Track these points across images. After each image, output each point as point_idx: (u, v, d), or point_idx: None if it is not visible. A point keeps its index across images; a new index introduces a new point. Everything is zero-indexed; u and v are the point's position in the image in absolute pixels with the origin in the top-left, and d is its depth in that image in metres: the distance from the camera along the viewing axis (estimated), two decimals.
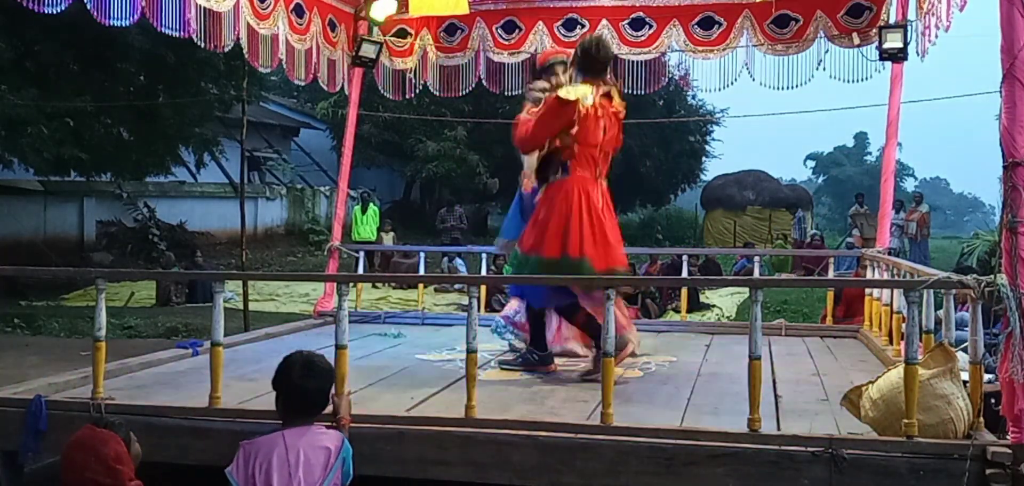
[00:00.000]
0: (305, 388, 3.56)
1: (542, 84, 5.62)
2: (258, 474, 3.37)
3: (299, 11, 7.13)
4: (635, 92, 7.54)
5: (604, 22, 7.55)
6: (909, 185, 45.38)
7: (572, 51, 5.59)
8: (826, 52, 7.24)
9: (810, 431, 3.90)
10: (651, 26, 7.55)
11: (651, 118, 22.91)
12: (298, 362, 3.61)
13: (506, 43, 7.94)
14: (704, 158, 32.98)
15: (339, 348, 4.16)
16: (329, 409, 3.81)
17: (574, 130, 5.14)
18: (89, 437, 3.52)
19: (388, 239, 18.84)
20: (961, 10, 5.38)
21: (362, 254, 8.65)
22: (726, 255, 19.21)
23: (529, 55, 7.64)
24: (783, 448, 3.74)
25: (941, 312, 4.44)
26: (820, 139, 79.95)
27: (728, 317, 12.69)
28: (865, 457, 3.66)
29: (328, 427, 3.66)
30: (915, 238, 19.39)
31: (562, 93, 5.16)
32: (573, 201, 5.15)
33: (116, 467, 3.44)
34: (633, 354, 5.72)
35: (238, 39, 6.43)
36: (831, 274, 8.21)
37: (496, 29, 7.96)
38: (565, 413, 4.40)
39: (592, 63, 5.27)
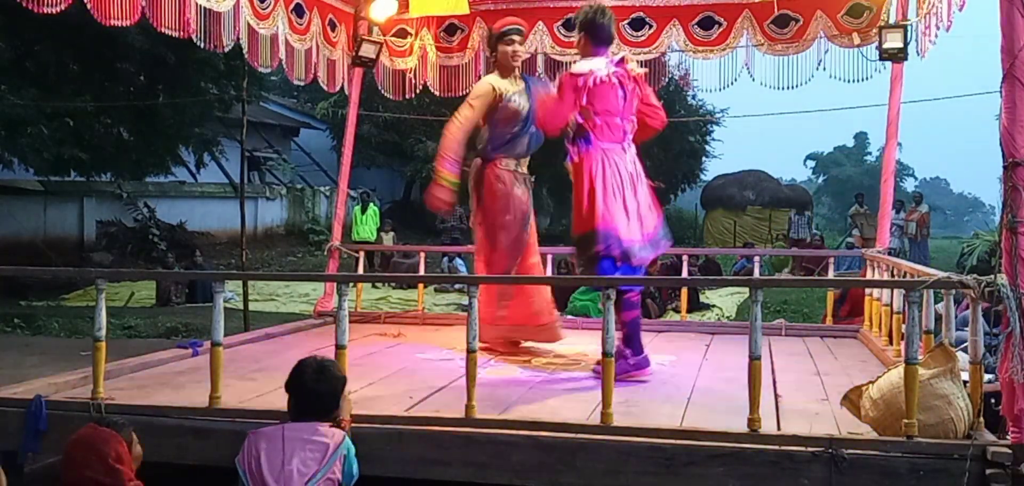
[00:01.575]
0: (317, 392, 3.60)
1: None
2: (253, 463, 3.44)
3: (299, 11, 7.13)
4: None
5: None
6: (909, 185, 45.27)
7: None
8: (826, 52, 7.23)
9: (810, 431, 3.89)
10: (651, 26, 7.55)
11: None
12: (311, 366, 3.65)
13: None
14: (704, 158, 32.90)
15: (339, 348, 4.18)
16: None
17: (587, 102, 5.16)
18: (90, 436, 3.53)
19: (388, 239, 18.82)
20: (961, 10, 5.39)
21: (362, 254, 8.66)
22: (726, 255, 19.20)
23: (529, 55, 7.61)
24: (783, 448, 3.74)
25: (940, 307, 4.44)
26: (820, 139, 79.89)
27: (728, 317, 12.68)
28: (865, 457, 3.66)
29: (331, 426, 3.68)
30: (915, 238, 19.39)
31: (574, 68, 5.18)
32: (594, 172, 5.15)
33: (116, 467, 3.45)
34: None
35: (238, 39, 6.43)
36: (831, 274, 8.20)
37: None
38: (565, 413, 4.40)
39: (600, 32, 5.30)
